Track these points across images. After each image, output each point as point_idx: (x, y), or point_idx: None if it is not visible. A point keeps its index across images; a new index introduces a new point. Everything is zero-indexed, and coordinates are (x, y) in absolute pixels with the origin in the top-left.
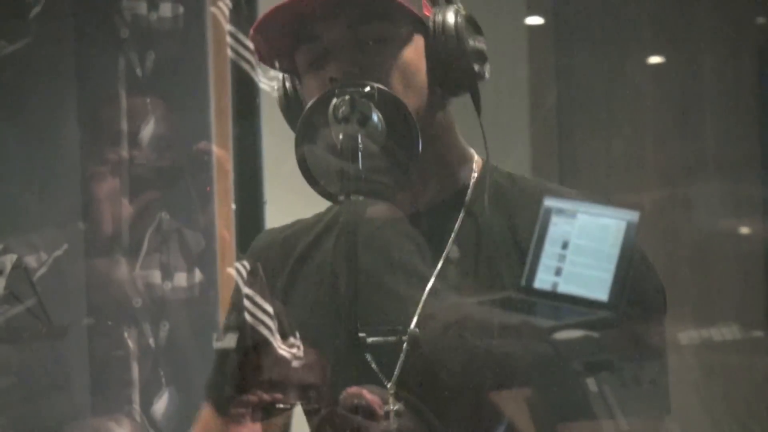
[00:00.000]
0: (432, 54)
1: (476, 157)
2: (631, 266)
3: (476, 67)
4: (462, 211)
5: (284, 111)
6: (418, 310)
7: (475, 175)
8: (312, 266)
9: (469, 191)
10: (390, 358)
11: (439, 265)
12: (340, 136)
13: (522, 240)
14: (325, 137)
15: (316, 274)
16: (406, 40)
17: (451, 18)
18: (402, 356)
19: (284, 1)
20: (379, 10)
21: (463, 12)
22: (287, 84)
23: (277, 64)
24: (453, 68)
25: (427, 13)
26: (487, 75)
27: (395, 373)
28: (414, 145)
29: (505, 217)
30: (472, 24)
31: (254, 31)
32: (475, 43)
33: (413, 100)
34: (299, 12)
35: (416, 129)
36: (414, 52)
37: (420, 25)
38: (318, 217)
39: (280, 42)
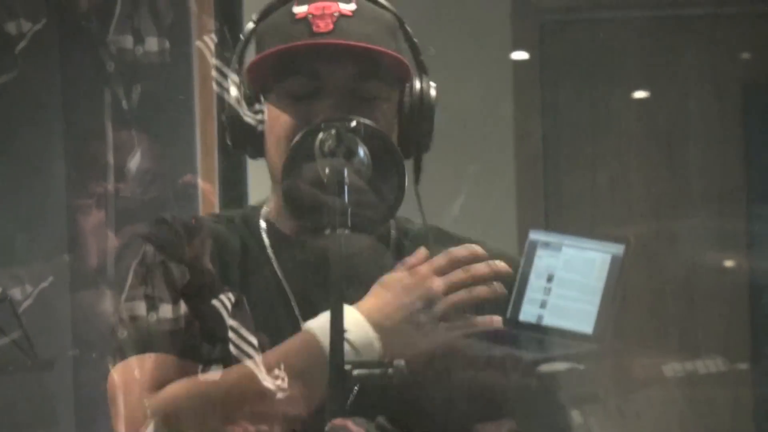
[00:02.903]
0: (405, 121)
1: None
2: (617, 299)
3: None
4: (394, 253)
5: (235, 124)
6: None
7: (393, 227)
8: (254, 276)
9: (392, 238)
10: (375, 390)
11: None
12: (327, 170)
13: None
14: (312, 171)
15: (261, 285)
16: (392, 102)
17: (429, 92)
18: (387, 389)
19: (303, 43)
20: (383, 69)
21: (434, 85)
22: (243, 98)
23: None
24: (418, 139)
25: None
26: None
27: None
28: (400, 180)
29: None
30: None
31: (257, 62)
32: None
33: None
34: (307, 50)
35: (402, 164)
36: (394, 114)
37: (402, 90)
38: (233, 219)
39: (267, 68)
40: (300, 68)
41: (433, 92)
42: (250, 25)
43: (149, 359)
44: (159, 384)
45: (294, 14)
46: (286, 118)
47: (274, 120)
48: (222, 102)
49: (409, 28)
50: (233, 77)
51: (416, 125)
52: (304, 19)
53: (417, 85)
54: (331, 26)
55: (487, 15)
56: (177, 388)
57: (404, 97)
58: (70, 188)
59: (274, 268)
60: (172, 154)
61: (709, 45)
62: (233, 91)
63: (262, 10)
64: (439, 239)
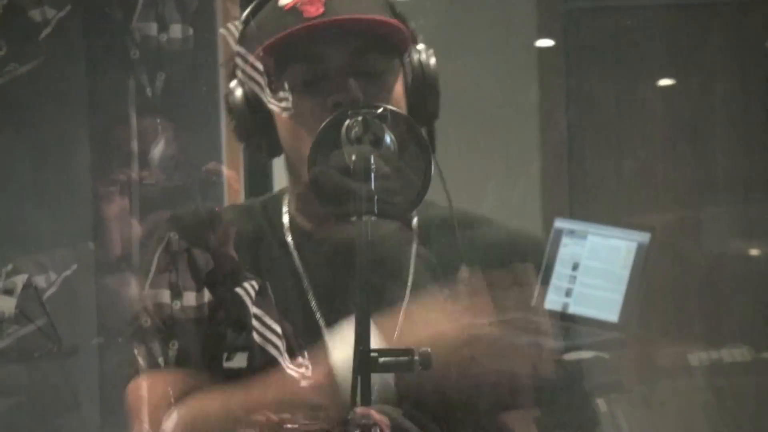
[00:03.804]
0: (411, 91)
1: None
2: (642, 287)
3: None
4: (417, 237)
5: (245, 124)
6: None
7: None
8: (273, 269)
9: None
10: (400, 377)
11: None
12: (353, 157)
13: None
14: (338, 158)
15: (279, 279)
16: (396, 74)
17: (427, 59)
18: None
19: (297, 27)
20: (383, 41)
21: (432, 53)
22: (250, 96)
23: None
24: (426, 107)
25: None
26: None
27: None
28: (427, 166)
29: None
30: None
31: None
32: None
33: None
34: (306, 35)
35: (429, 149)
36: (400, 85)
37: (402, 60)
38: (254, 210)
39: (267, 62)
40: (299, 56)
41: (432, 59)
42: (229, 27)
43: (166, 375)
44: (176, 399)
45: (281, 7)
46: (300, 105)
47: (282, 113)
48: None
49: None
50: (232, 84)
51: (421, 94)
52: (293, 8)
53: (414, 54)
54: (321, 9)
55: (512, 2)
56: (194, 404)
57: (404, 68)
58: (94, 176)
59: (294, 265)
60: (196, 141)
61: (735, 32)
62: (238, 96)
63: (246, 12)
64: (462, 222)
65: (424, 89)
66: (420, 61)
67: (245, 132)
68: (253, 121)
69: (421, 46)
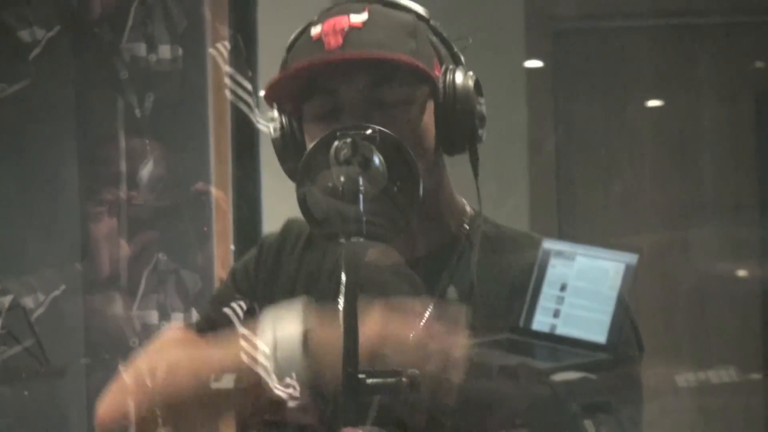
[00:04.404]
0: (440, 116)
1: (468, 208)
2: (630, 309)
3: (479, 131)
4: (456, 257)
5: (280, 152)
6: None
7: (467, 226)
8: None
9: (462, 240)
10: (388, 399)
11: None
12: (342, 179)
13: (516, 284)
14: (327, 179)
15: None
16: (421, 103)
17: (460, 82)
18: (401, 398)
19: (304, 64)
20: (398, 73)
21: (470, 74)
22: (285, 125)
23: (280, 107)
24: (459, 131)
25: (437, 73)
26: (485, 138)
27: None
28: (415, 189)
29: (496, 263)
30: (477, 87)
31: (271, 87)
32: (479, 106)
33: (422, 160)
34: (318, 69)
35: (417, 172)
36: (427, 114)
37: (432, 86)
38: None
39: (291, 92)
40: (315, 88)
41: (470, 81)
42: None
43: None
44: None
45: (311, 36)
46: (315, 137)
47: (307, 138)
48: (234, 108)
49: (434, 23)
50: (275, 115)
51: (455, 119)
52: (318, 39)
53: (449, 77)
54: (340, 41)
55: (500, 23)
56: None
57: (437, 93)
58: (83, 196)
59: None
60: (185, 161)
61: (723, 54)
62: (278, 127)
63: (291, 39)
64: (520, 243)
65: (455, 114)
66: (453, 85)
67: (283, 161)
68: (290, 151)
69: (460, 69)
